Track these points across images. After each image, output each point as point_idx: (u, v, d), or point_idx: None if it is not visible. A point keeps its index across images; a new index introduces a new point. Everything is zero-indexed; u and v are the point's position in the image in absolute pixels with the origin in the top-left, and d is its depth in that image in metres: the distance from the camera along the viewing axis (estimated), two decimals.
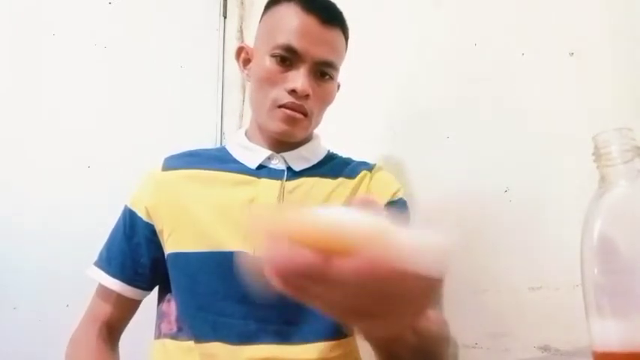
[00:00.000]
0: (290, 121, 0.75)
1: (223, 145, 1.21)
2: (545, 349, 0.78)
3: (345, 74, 0.87)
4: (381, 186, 0.82)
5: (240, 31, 1.55)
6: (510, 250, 0.84)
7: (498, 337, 0.84)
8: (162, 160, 0.82)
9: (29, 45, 1.22)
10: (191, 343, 0.72)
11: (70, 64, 1.26)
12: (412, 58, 1.05)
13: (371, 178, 0.82)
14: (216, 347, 0.70)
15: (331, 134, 0.90)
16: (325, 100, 0.80)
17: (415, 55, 1.05)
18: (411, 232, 0.28)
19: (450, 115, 0.97)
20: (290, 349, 0.70)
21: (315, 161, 0.83)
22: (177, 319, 0.76)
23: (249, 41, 0.85)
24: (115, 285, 0.78)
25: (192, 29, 1.51)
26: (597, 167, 0.38)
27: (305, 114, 0.76)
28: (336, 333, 0.74)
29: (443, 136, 0.96)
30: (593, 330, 0.37)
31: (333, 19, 0.77)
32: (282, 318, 0.72)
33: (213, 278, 0.72)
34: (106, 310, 0.79)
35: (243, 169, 0.79)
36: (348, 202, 0.33)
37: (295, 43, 0.73)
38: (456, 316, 0.80)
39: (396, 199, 0.82)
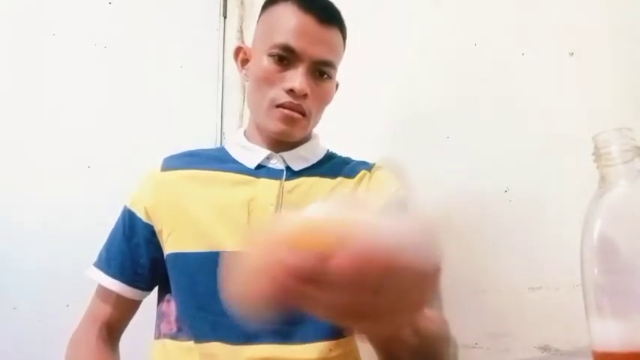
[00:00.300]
0: (288, 120, 0.75)
1: (222, 145, 1.21)
2: (545, 349, 0.78)
3: (345, 74, 0.87)
4: (380, 186, 0.82)
5: (240, 31, 1.55)
6: (510, 250, 0.84)
7: (498, 337, 0.84)
8: (162, 160, 0.82)
9: (29, 45, 1.22)
10: (191, 343, 0.72)
11: (70, 64, 1.26)
12: (412, 58, 1.05)
13: (370, 178, 0.82)
14: (216, 347, 0.70)
15: (331, 134, 0.90)
16: (323, 100, 0.80)
17: (415, 55, 1.05)
18: (396, 221, 0.28)
19: (450, 115, 0.97)
20: (290, 348, 0.70)
21: (314, 161, 0.83)
22: (177, 320, 0.76)
23: (249, 41, 0.85)
24: (115, 286, 0.78)
25: (192, 29, 1.51)
26: (597, 167, 0.38)
27: (303, 113, 0.75)
28: (336, 333, 0.74)
29: (443, 136, 0.97)
30: (593, 330, 0.37)
31: (331, 18, 0.77)
32: (282, 318, 0.72)
33: (213, 278, 0.72)
34: (105, 310, 0.79)
35: (242, 169, 0.79)
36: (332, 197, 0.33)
37: (293, 43, 0.73)
38: (456, 316, 0.80)
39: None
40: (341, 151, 0.89)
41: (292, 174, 0.79)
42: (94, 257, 0.82)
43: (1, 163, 1.14)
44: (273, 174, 0.78)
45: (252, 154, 0.81)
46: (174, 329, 0.76)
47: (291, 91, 0.73)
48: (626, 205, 0.38)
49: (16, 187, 1.15)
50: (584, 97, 0.78)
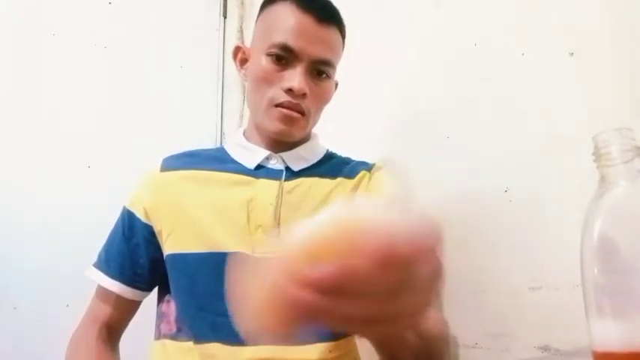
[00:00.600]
0: (287, 120, 0.75)
1: (222, 145, 1.21)
2: (545, 349, 0.78)
3: (345, 74, 0.87)
4: (380, 185, 0.82)
5: (241, 31, 1.55)
6: (510, 250, 0.84)
7: (498, 337, 0.84)
8: (161, 160, 0.82)
9: (29, 45, 1.22)
10: (190, 343, 0.72)
11: (70, 64, 1.26)
12: (412, 58, 1.05)
13: (370, 178, 0.82)
14: (216, 348, 0.70)
15: (331, 134, 0.90)
16: (322, 99, 0.79)
17: (415, 55, 1.05)
18: (404, 216, 0.28)
19: (450, 115, 0.97)
20: (289, 349, 0.70)
21: (313, 161, 0.83)
22: (177, 320, 0.76)
23: (249, 41, 0.85)
24: (114, 286, 0.78)
25: (192, 29, 1.51)
26: (597, 167, 0.38)
27: (302, 113, 0.75)
28: (336, 333, 0.74)
29: (443, 136, 0.96)
30: (593, 330, 0.37)
31: (330, 17, 0.77)
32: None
33: (212, 279, 0.72)
34: (105, 311, 0.79)
35: (241, 170, 0.79)
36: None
37: (291, 42, 0.73)
38: (456, 316, 0.80)
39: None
40: (341, 151, 0.89)
41: (292, 174, 0.79)
42: (94, 257, 0.82)
43: (1, 163, 1.14)
44: (273, 174, 0.78)
45: (252, 154, 0.80)
46: (174, 330, 0.76)
47: (289, 91, 0.73)
48: (626, 205, 0.37)
49: (16, 187, 1.15)
50: (584, 97, 0.78)
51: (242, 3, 1.57)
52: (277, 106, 0.74)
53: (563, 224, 0.72)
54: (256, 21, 0.82)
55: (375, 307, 0.28)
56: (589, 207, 0.38)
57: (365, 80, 1.11)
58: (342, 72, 0.83)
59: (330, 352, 0.72)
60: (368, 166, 0.84)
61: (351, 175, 0.82)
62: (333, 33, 0.77)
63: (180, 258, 0.75)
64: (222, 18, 1.57)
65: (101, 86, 1.30)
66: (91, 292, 0.81)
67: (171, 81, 1.42)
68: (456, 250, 0.90)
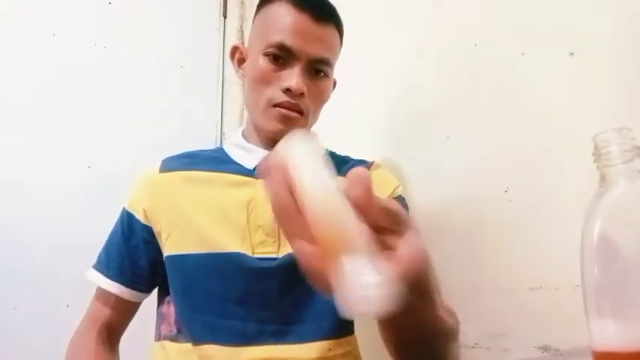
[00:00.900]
0: (285, 120, 0.74)
1: (221, 145, 1.20)
2: (545, 349, 0.78)
3: (345, 74, 0.87)
4: (379, 183, 0.82)
5: (241, 31, 1.55)
6: (510, 250, 0.84)
7: (498, 337, 0.84)
8: (160, 161, 0.82)
9: (29, 45, 1.22)
10: (190, 345, 0.72)
11: (70, 64, 1.26)
12: (412, 57, 1.05)
13: None
14: (213, 349, 0.70)
15: (331, 134, 0.90)
16: (321, 98, 0.79)
17: (415, 54, 1.05)
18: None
19: (450, 115, 0.96)
20: (289, 348, 0.70)
21: None
22: (177, 321, 0.76)
23: None
24: (114, 288, 0.78)
25: (192, 29, 1.51)
26: (597, 167, 0.38)
27: (301, 112, 0.75)
28: (336, 332, 0.74)
29: (443, 136, 0.96)
30: (593, 330, 0.37)
31: (327, 15, 0.76)
32: (281, 318, 0.71)
33: (212, 280, 0.72)
34: (105, 312, 0.79)
35: (240, 170, 0.79)
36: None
37: (289, 42, 0.72)
38: None
39: (396, 196, 0.82)
40: (340, 151, 0.89)
41: None
42: (94, 257, 0.82)
43: (1, 163, 1.14)
44: None
45: (251, 154, 0.80)
46: (174, 331, 0.76)
47: (287, 91, 0.73)
48: (626, 205, 0.37)
49: (16, 187, 1.15)
50: (584, 97, 0.78)
51: (242, 3, 1.57)
52: (275, 106, 0.74)
53: (563, 224, 0.72)
54: (253, 21, 0.82)
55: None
56: (589, 207, 0.38)
57: (364, 80, 1.11)
58: (342, 72, 0.83)
59: (329, 350, 0.72)
60: (367, 165, 0.84)
61: None
62: (330, 31, 0.76)
63: (179, 259, 0.75)
64: (222, 18, 1.57)
65: (101, 86, 1.30)
66: (91, 292, 0.81)
67: (171, 81, 1.42)
68: (455, 250, 0.91)
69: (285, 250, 0.72)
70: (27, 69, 1.21)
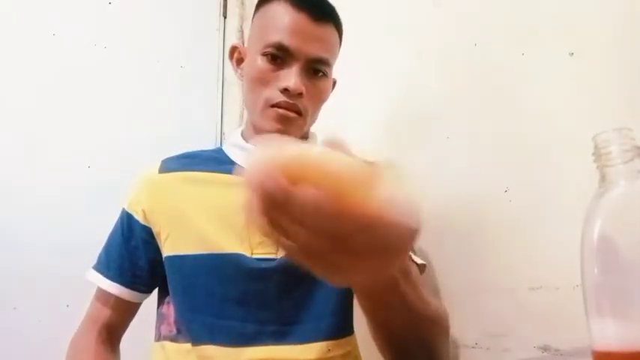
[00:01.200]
0: (284, 120, 0.74)
1: (220, 145, 1.20)
2: (545, 349, 0.78)
3: (345, 74, 0.87)
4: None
5: (241, 31, 1.55)
6: (510, 250, 0.84)
7: (498, 337, 0.84)
8: (160, 162, 0.82)
9: (29, 45, 1.22)
10: (189, 345, 0.72)
11: (70, 64, 1.26)
12: (412, 57, 1.05)
13: None
14: (213, 350, 0.70)
15: (331, 134, 0.89)
16: (320, 98, 0.79)
17: (415, 54, 1.05)
18: (388, 188, 0.31)
19: (450, 115, 0.96)
20: (289, 349, 0.70)
21: None
22: (176, 322, 0.76)
23: None
24: (114, 288, 0.78)
25: (192, 29, 1.51)
26: (597, 167, 0.38)
27: (299, 113, 0.74)
28: (335, 332, 0.74)
29: (443, 136, 0.96)
30: (593, 330, 0.37)
31: (325, 15, 0.76)
32: (280, 318, 0.71)
33: (211, 280, 0.72)
34: (105, 313, 0.79)
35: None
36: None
37: (287, 41, 0.72)
38: (456, 316, 0.80)
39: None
40: None
41: None
42: (94, 257, 0.82)
43: (1, 163, 1.14)
44: None
45: (250, 154, 0.80)
46: (174, 331, 0.76)
47: (285, 91, 0.72)
48: (626, 205, 0.37)
49: (16, 187, 1.15)
50: (584, 97, 0.78)
51: (242, 3, 1.57)
52: (273, 106, 0.73)
53: (563, 224, 0.72)
54: (252, 20, 0.81)
55: (329, 244, 0.31)
56: (589, 207, 0.38)
57: (364, 80, 1.11)
58: (342, 72, 0.83)
59: (329, 351, 0.72)
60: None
61: None
62: (328, 31, 0.76)
63: (178, 259, 0.75)
64: (222, 18, 1.57)
65: (101, 86, 1.30)
66: (91, 292, 0.81)
67: (171, 81, 1.42)
68: (455, 250, 0.91)
69: None
70: (27, 69, 1.21)
